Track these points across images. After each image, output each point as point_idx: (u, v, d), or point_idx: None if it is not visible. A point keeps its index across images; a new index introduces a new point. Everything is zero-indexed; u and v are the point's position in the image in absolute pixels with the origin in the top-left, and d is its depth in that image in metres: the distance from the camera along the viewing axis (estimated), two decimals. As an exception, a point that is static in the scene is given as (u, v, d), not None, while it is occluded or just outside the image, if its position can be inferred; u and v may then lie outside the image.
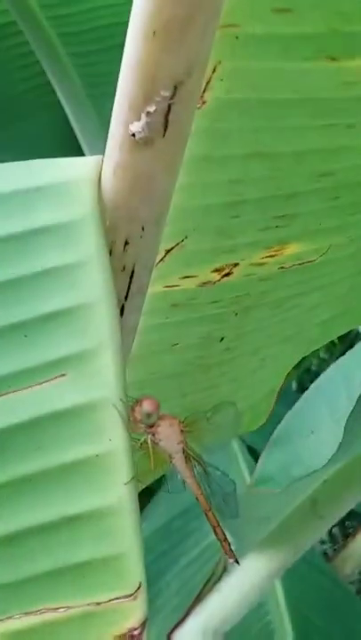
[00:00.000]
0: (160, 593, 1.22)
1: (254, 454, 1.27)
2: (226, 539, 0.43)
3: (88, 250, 0.38)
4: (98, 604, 0.36)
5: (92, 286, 0.38)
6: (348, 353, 1.13)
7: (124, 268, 0.43)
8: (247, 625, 1.15)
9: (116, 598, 0.36)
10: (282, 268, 0.51)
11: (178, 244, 0.47)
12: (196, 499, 0.42)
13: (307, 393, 1.08)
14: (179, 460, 0.41)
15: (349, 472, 0.95)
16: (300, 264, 0.52)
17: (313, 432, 1.04)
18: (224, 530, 0.42)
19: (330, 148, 0.44)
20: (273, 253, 0.50)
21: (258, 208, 0.46)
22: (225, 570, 1.02)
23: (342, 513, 0.97)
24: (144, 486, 0.72)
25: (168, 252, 0.47)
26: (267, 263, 0.50)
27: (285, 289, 0.54)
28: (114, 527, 0.36)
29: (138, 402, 0.39)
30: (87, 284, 0.38)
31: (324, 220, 0.49)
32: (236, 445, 1.40)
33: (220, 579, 1.02)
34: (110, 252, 0.42)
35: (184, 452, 0.41)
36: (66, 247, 0.38)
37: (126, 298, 0.45)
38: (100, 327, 0.38)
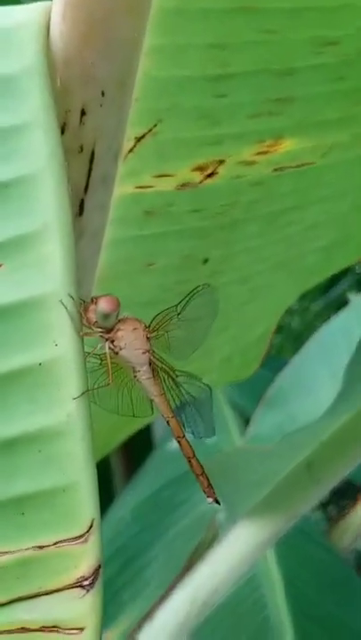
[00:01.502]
0: (148, 565, 1.15)
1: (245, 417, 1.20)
2: (203, 473, 0.35)
3: (31, 110, 0.31)
4: (40, 547, 0.29)
5: (35, 154, 0.30)
6: (348, 307, 1.06)
7: (81, 149, 0.35)
8: (239, 598, 1.09)
9: (63, 541, 0.29)
10: (276, 170, 0.44)
11: (150, 131, 0.39)
12: (167, 423, 0.35)
13: (304, 349, 1.01)
14: (144, 375, 0.33)
15: (347, 432, 0.88)
16: (296, 167, 0.44)
17: (310, 392, 0.97)
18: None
19: (333, 6, 0.36)
20: (265, 149, 0.42)
21: (247, 86, 0.38)
22: (215, 538, 0.96)
23: (339, 477, 0.90)
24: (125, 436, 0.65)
25: (139, 140, 0.39)
26: (258, 162, 0.43)
27: (280, 200, 0.47)
28: (61, 452, 0.29)
29: (93, 300, 0.32)
30: (28, 151, 0.30)
31: (324, 108, 0.42)
32: (227, 412, 1.33)
33: (209, 547, 0.95)
34: (64, 127, 0.34)
35: (151, 363, 0.33)
36: (2, 107, 0.31)
37: (86, 189, 0.37)
38: (45, 205, 0.30)
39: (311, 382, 0.94)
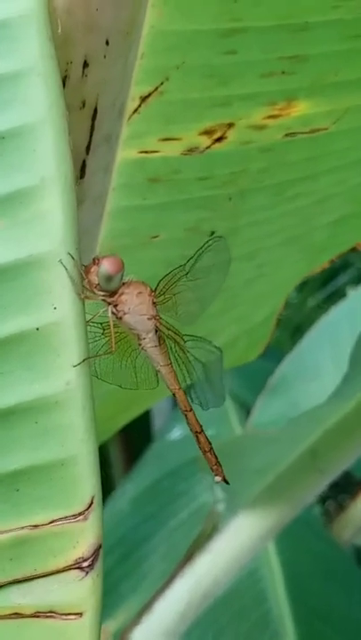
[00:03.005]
0: (147, 557, 1.14)
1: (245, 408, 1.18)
2: (211, 449, 0.33)
3: (30, 56, 0.28)
4: (35, 526, 0.27)
5: (34, 103, 0.28)
6: (351, 295, 1.04)
7: (83, 105, 0.33)
8: (240, 591, 1.07)
9: (61, 519, 0.27)
10: (287, 135, 0.41)
11: (156, 89, 0.37)
12: (173, 395, 0.32)
13: (307, 336, 0.99)
14: (150, 343, 0.31)
15: (352, 420, 0.86)
16: (309, 132, 0.42)
17: (314, 378, 0.95)
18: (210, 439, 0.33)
19: None
20: (277, 113, 0.40)
21: (259, 42, 0.36)
22: (215, 528, 0.94)
23: (344, 466, 0.88)
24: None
25: (144, 99, 0.37)
26: (269, 127, 0.40)
27: (290, 169, 0.44)
28: (59, 423, 0.27)
29: (95, 260, 0.29)
30: (27, 100, 0.28)
31: (340, 69, 0.39)
32: (227, 404, 1.31)
33: (209, 537, 0.93)
34: (65, 80, 0.32)
35: (157, 330, 0.31)
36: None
37: (88, 150, 0.35)
38: (44, 159, 0.28)
39: (315, 369, 0.92)
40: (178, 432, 1.26)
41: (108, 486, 1.27)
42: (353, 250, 0.62)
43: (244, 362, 0.63)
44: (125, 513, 1.17)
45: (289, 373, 0.94)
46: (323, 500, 1.80)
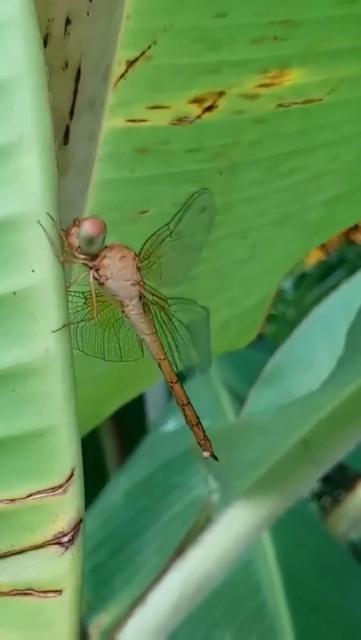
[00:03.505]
0: (140, 550, 1.13)
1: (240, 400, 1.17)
2: (198, 423, 0.32)
3: (9, 9, 0.27)
4: (12, 500, 0.25)
5: (12, 57, 0.27)
6: (347, 282, 1.03)
7: (66, 65, 0.31)
8: (234, 583, 1.06)
9: (39, 492, 0.25)
10: (280, 105, 0.40)
11: (143, 54, 0.35)
12: (158, 365, 0.31)
13: (302, 325, 0.98)
14: (134, 310, 0.30)
15: (345, 411, 0.85)
16: (302, 103, 0.41)
17: (308, 368, 0.94)
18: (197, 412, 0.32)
19: None
20: (270, 81, 0.39)
21: (250, 3, 0.35)
22: (208, 520, 0.93)
23: (338, 457, 0.87)
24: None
25: (131, 64, 0.35)
26: (261, 95, 0.39)
27: (284, 141, 0.43)
28: (37, 392, 0.26)
29: (75, 222, 0.28)
30: (5, 54, 0.27)
31: (334, 35, 0.38)
32: (222, 395, 1.30)
33: (202, 529, 0.92)
34: (46, 38, 0.31)
35: (141, 297, 0.30)
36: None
37: (72, 114, 0.33)
38: (23, 114, 0.26)
39: (309, 357, 0.91)
40: (173, 424, 1.25)
41: (101, 479, 1.25)
42: (350, 244, 0.61)
43: (236, 347, 0.62)
44: (119, 506, 1.16)
45: (283, 363, 0.93)
46: (319, 496, 1.79)
